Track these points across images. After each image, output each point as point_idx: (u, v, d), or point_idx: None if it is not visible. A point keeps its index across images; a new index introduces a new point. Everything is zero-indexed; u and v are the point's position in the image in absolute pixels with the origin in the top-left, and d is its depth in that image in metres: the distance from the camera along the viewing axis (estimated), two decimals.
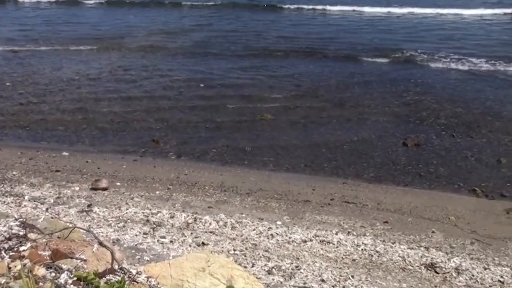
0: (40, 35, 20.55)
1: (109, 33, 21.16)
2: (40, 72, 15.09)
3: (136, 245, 5.49)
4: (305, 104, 12.63)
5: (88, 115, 11.64)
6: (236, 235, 6.11)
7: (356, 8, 28.15)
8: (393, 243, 6.20)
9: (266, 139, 10.51)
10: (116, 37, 20.27)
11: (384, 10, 28.50)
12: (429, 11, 28.09)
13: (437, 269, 5.61)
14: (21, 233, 3.54)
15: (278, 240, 6.04)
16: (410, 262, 5.74)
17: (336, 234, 6.36)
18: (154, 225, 6.19)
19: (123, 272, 3.10)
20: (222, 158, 9.65)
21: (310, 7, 29.01)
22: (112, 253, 3.13)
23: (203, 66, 16.04)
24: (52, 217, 5.65)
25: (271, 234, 6.18)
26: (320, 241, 6.09)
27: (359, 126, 11.26)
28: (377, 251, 5.94)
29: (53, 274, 2.88)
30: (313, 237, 6.18)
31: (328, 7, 28.42)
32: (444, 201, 7.92)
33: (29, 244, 3.30)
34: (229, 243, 5.83)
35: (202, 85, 14.03)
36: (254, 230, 6.28)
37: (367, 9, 28.13)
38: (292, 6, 29.08)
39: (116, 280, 2.91)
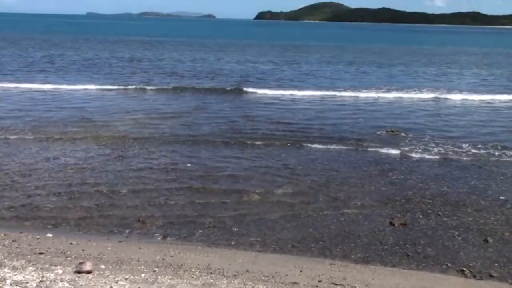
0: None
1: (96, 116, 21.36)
2: (26, 152, 15.08)
3: None
4: (291, 184, 12.67)
5: (73, 195, 11.57)
6: None
7: (334, 92, 28.52)
8: None
9: (252, 219, 10.46)
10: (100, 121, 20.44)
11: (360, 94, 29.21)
12: (410, 95, 28.88)
13: None
14: None
15: None
16: None
17: None
18: None
19: None
20: (209, 238, 9.56)
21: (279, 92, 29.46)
22: None
23: (187, 150, 16.08)
24: None
25: None
26: None
27: (346, 206, 11.28)
28: None
29: None
30: None
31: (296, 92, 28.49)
32: (432, 282, 7.85)
33: None
34: None
35: (188, 164, 14.09)
36: None
37: (345, 93, 28.51)
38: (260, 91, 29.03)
39: None
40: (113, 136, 17.05)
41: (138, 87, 28.54)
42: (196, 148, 15.90)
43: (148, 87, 28.58)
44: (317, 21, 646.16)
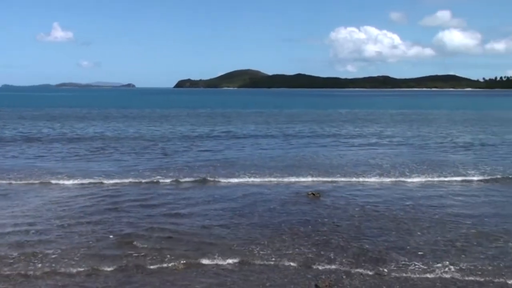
0: None
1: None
2: None
3: None
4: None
5: None
6: None
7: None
8: None
9: None
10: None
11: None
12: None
13: None
14: None
15: None
16: None
17: None
18: None
19: None
20: None
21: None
22: None
23: None
24: None
25: None
26: None
27: (272, 271, 11.19)
28: None
29: None
30: None
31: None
32: None
33: None
34: None
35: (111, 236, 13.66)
36: None
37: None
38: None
39: None
40: None
41: None
42: None
43: None
44: (235, 88, 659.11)
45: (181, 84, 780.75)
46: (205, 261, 11.66)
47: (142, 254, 12.11)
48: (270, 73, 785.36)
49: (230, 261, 11.69)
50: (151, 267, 11.30)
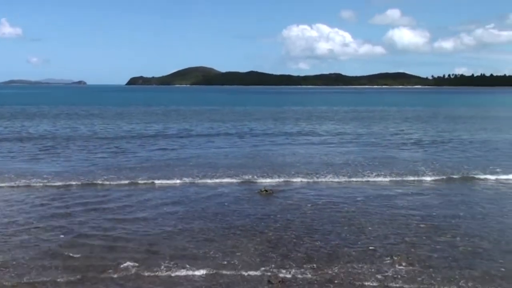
0: None
1: None
2: None
3: None
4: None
5: None
6: None
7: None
8: None
9: None
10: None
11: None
12: None
13: None
14: None
15: None
16: None
17: None
18: None
19: None
20: None
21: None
22: None
23: None
24: None
25: None
26: None
27: (224, 268, 11.21)
28: None
29: None
30: None
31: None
32: None
33: None
34: None
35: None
36: None
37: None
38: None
39: None
40: None
41: None
42: None
43: None
44: (188, 85, 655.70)
45: (133, 81, 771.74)
46: (156, 264, 11.55)
47: (90, 262, 11.76)
48: (223, 70, 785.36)
49: (182, 263, 11.62)
50: (102, 275, 10.83)
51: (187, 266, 11.24)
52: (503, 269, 11.10)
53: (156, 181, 20.60)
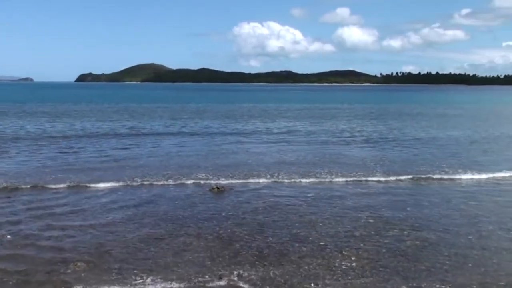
0: None
1: None
2: None
3: None
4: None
5: None
6: None
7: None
8: None
9: None
10: None
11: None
12: None
13: None
14: None
15: None
16: None
17: None
18: None
19: None
20: None
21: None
22: None
23: None
24: None
25: None
26: None
27: (175, 264, 11.18)
28: None
29: None
30: None
31: None
32: None
33: None
34: None
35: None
36: None
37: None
38: None
39: None
40: None
41: None
42: None
43: None
44: (139, 82, 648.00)
45: (82, 78, 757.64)
46: (106, 266, 11.42)
47: (37, 264, 11.60)
48: (174, 68, 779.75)
49: (132, 263, 11.50)
50: (50, 277, 10.61)
51: (137, 266, 11.16)
52: (448, 262, 11.48)
53: (105, 183, 19.75)
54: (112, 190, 18.79)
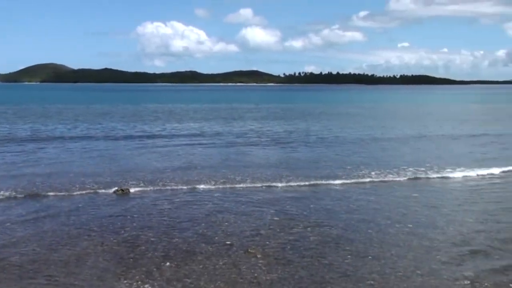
0: None
1: None
2: None
3: None
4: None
5: None
6: None
7: None
8: None
9: None
10: None
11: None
12: None
13: None
14: None
15: None
16: None
17: None
18: None
19: None
20: None
21: None
22: None
23: None
24: None
25: None
26: None
27: (77, 270, 10.88)
28: None
29: None
30: None
31: None
32: None
33: None
34: None
35: None
36: None
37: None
38: None
39: None
40: None
41: None
42: None
43: None
44: (38, 83, 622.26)
45: None
46: (4, 274, 10.96)
47: None
48: (75, 67, 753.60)
49: (33, 269, 11.11)
50: None
51: (36, 273, 10.78)
52: (349, 256, 11.93)
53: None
54: (9, 200, 17.58)
